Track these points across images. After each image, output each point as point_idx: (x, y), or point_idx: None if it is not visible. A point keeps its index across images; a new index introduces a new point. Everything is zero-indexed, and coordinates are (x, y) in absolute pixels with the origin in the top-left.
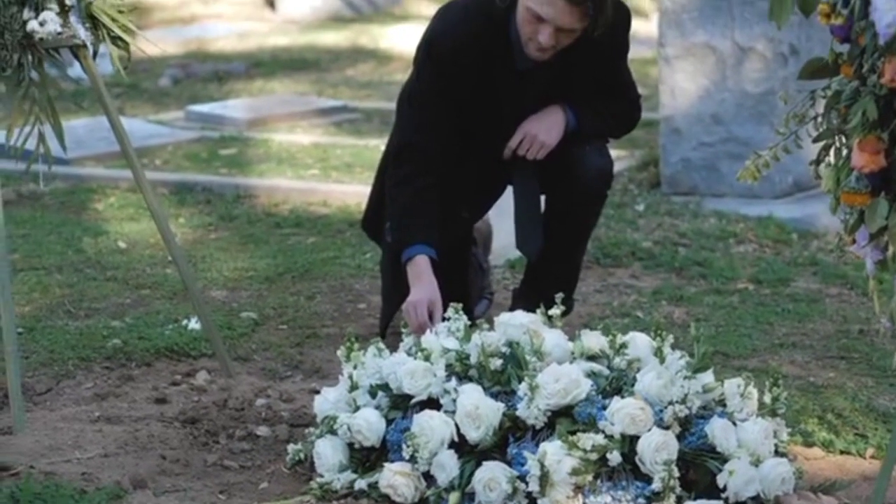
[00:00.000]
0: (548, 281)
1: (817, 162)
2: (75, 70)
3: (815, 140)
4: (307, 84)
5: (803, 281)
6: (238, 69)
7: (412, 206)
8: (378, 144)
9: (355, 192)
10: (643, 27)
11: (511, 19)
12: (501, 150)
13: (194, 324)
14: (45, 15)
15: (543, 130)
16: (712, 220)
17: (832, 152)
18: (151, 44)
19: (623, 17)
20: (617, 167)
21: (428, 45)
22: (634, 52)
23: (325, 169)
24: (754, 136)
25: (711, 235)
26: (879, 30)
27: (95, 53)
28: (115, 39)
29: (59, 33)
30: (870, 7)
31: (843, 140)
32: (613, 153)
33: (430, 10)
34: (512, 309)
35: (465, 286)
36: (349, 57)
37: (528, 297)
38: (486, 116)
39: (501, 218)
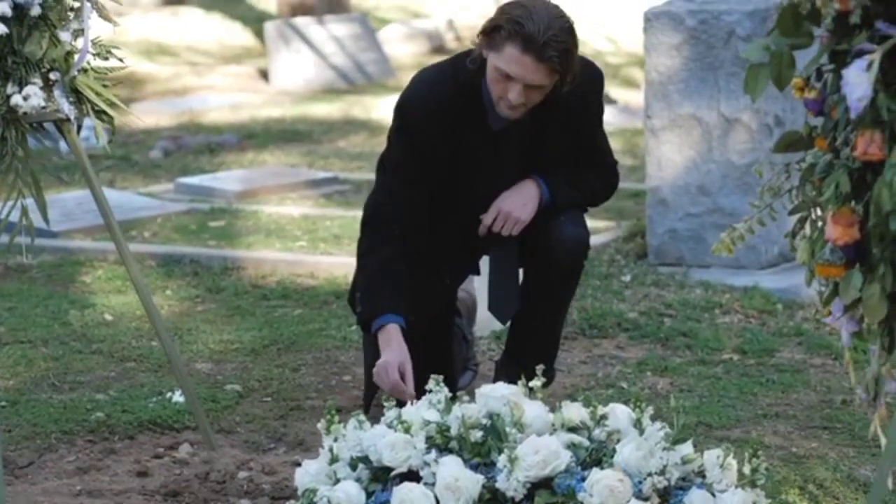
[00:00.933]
0: (527, 352)
1: (793, 234)
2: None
3: (792, 212)
4: (298, 155)
5: (788, 351)
6: (230, 141)
7: (379, 276)
8: None
9: (342, 264)
10: (634, 97)
11: (483, 81)
12: (479, 214)
13: (178, 396)
14: (28, 89)
15: (517, 206)
16: (698, 290)
17: (808, 224)
18: (137, 118)
19: (595, 80)
20: (604, 238)
21: (399, 113)
22: (624, 123)
23: (314, 240)
24: (740, 207)
25: (697, 306)
26: (850, 103)
27: (79, 128)
28: (100, 113)
29: (43, 107)
30: (841, 81)
31: (818, 212)
32: (601, 224)
33: None
34: (495, 380)
35: (449, 357)
36: (341, 128)
37: (509, 369)
38: (462, 181)
39: (486, 289)
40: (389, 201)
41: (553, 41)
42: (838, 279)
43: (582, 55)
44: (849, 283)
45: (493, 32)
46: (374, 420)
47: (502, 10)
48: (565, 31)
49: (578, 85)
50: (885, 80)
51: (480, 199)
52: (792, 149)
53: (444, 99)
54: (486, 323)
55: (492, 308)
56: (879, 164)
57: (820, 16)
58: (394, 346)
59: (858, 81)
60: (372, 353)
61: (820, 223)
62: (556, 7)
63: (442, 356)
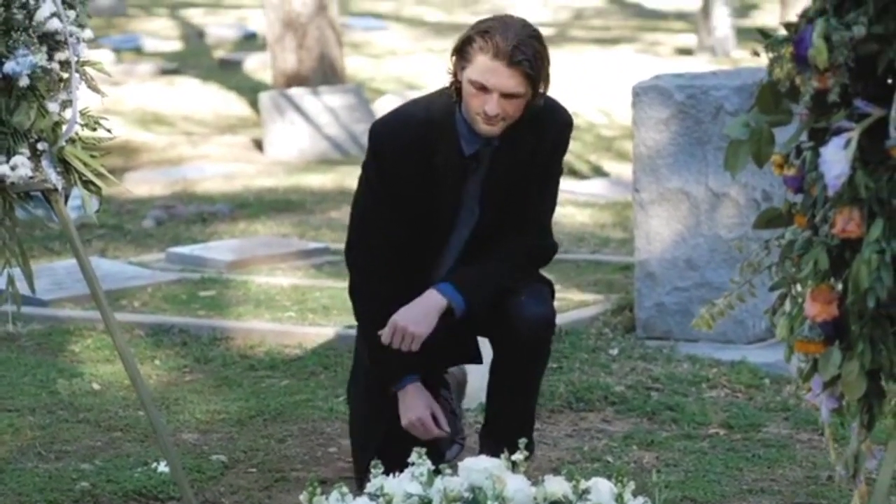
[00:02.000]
0: (503, 427)
1: (773, 311)
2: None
3: (772, 289)
4: (290, 226)
5: (774, 426)
6: (222, 211)
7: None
8: None
9: (331, 335)
10: (626, 170)
11: (458, 109)
12: (444, 251)
13: (163, 467)
14: (16, 159)
15: (412, 322)
16: (685, 364)
17: (787, 301)
18: (125, 189)
19: (566, 123)
20: (592, 311)
21: (371, 142)
22: (616, 196)
23: (303, 311)
24: (728, 282)
25: (684, 380)
26: (828, 181)
27: (67, 197)
28: (87, 183)
29: (31, 177)
30: (819, 159)
31: (798, 289)
32: (589, 297)
33: None
34: (480, 451)
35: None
36: (334, 199)
37: (490, 443)
38: (432, 207)
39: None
40: (367, 229)
41: (522, 46)
42: (817, 356)
43: (554, 99)
44: (828, 360)
45: (463, 48)
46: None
47: (471, 27)
48: (534, 38)
49: (550, 126)
50: (864, 158)
51: (447, 228)
52: (772, 225)
53: (412, 123)
54: (474, 395)
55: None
56: (858, 241)
57: (799, 93)
58: (418, 400)
59: (836, 159)
60: (366, 421)
61: (799, 300)
62: (525, 20)
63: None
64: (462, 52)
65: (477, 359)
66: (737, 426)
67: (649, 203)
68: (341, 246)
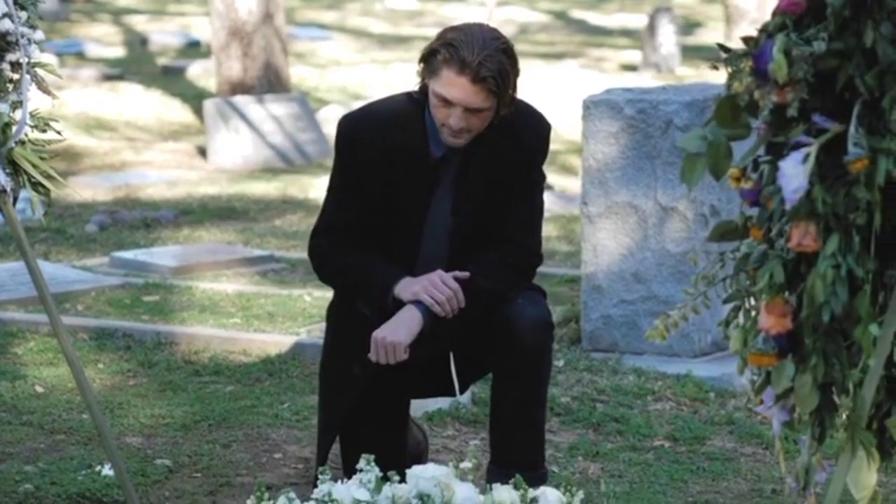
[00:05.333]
0: (515, 451)
1: (727, 323)
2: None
3: (725, 301)
4: (234, 233)
5: (719, 440)
6: (166, 217)
7: (363, 265)
8: (301, 294)
9: (276, 342)
10: (571, 184)
11: (427, 109)
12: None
13: (108, 470)
14: None
15: (389, 332)
16: (631, 377)
17: (741, 313)
18: (73, 191)
19: (543, 129)
20: None
21: (338, 132)
22: (561, 209)
23: (248, 318)
24: (675, 295)
25: (630, 392)
26: (786, 195)
27: (15, 199)
28: (36, 185)
29: None
30: (777, 173)
31: (752, 302)
32: None
33: None
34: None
35: (401, 444)
36: (278, 207)
37: (500, 474)
38: (398, 209)
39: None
40: (335, 221)
41: (488, 61)
42: (770, 368)
43: (530, 105)
44: (781, 372)
45: (430, 58)
46: (303, 498)
47: (438, 36)
48: (500, 51)
49: (525, 132)
50: (821, 173)
51: (416, 231)
52: (726, 238)
53: (381, 121)
54: (419, 405)
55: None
56: (813, 255)
57: (758, 108)
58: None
59: (794, 173)
60: (332, 403)
61: (753, 312)
62: (493, 30)
63: (396, 443)
64: (428, 62)
65: (450, 392)
66: (682, 439)
67: (597, 216)
68: (286, 254)
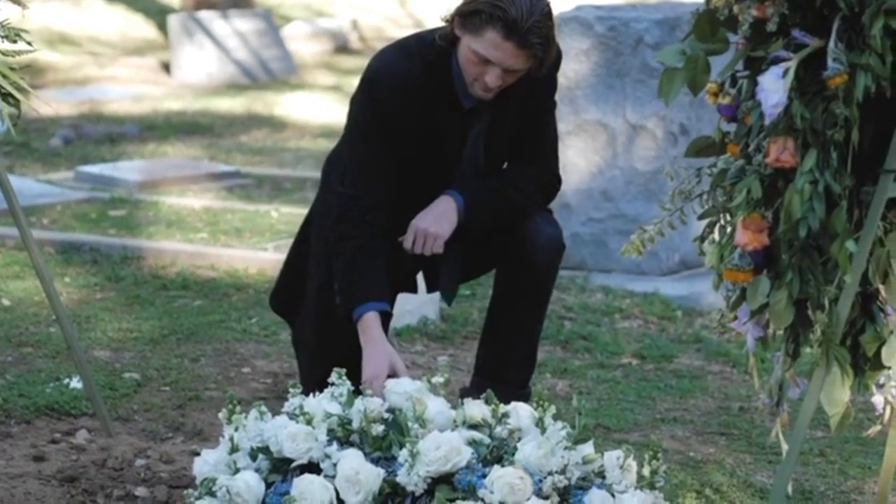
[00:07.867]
0: (507, 365)
1: (702, 239)
2: None
3: (701, 217)
4: (200, 149)
5: (686, 357)
6: (131, 132)
7: (356, 263)
8: (269, 210)
9: (243, 257)
10: None
11: (453, 58)
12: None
13: (76, 383)
14: None
15: (432, 223)
16: (599, 295)
17: (717, 229)
18: (44, 103)
19: (558, 59)
20: None
21: (368, 85)
22: None
23: (215, 233)
24: (643, 214)
25: (597, 310)
26: (765, 110)
27: None
28: (6, 96)
29: None
30: (757, 88)
31: (728, 218)
32: None
33: (326, 80)
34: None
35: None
36: (243, 123)
37: (481, 388)
38: (430, 158)
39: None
40: (359, 182)
41: (536, 27)
42: (746, 284)
43: None
44: (756, 288)
45: (471, 15)
46: (274, 412)
47: None
48: (546, 15)
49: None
50: (801, 89)
51: (447, 179)
52: (703, 154)
53: (413, 75)
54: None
55: (441, 288)
56: (791, 171)
57: (737, 22)
58: (378, 348)
59: (774, 88)
60: (317, 344)
61: (729, 228)
62: None
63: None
64: (467, 19)
65: (413, 289)
66: (649, 356)
67: (566, 134)
68: (252, 170)
